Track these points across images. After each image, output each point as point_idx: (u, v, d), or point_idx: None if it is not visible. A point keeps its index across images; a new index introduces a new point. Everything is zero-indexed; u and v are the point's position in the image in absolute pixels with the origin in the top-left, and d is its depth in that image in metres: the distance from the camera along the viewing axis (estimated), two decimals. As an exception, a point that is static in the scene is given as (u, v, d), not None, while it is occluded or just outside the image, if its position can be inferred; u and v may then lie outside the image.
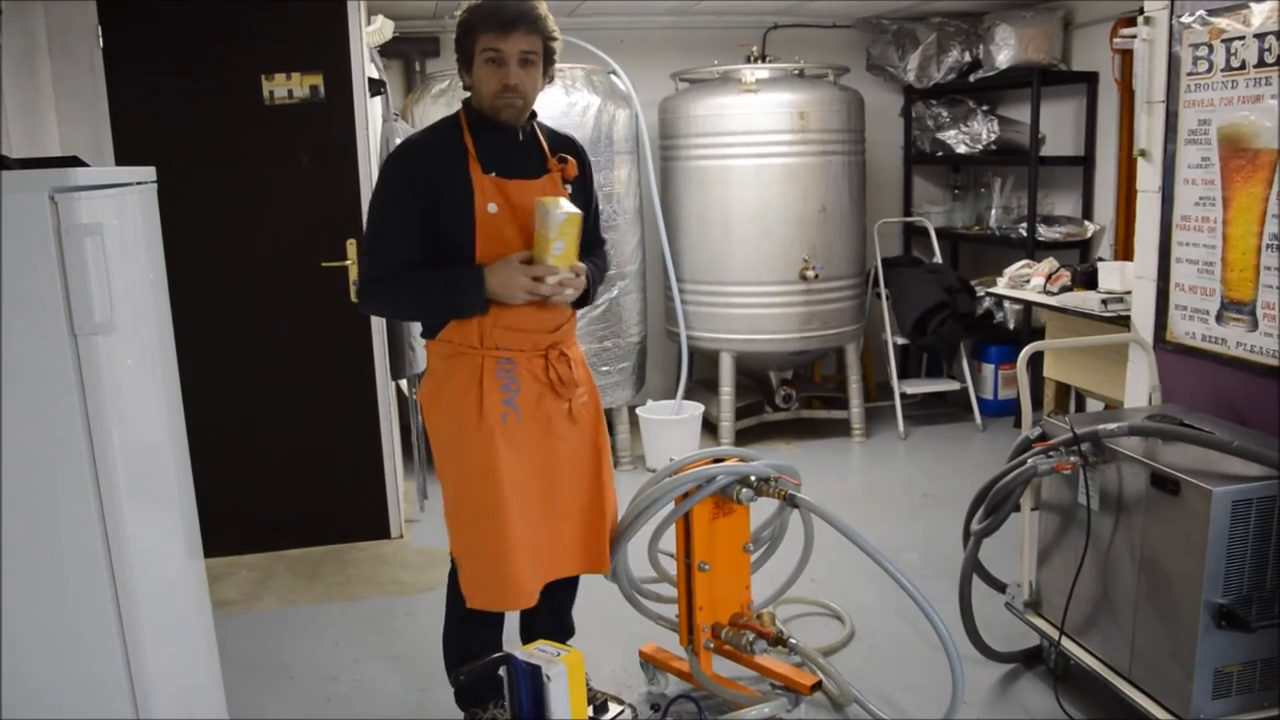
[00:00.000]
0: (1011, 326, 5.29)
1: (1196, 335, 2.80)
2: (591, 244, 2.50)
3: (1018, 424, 4.94)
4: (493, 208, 2.26)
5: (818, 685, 2.65)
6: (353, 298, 3.83)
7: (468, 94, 2.37)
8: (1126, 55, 4.50)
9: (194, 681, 2.22)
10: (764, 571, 2.87)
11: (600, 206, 2.73)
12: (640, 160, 4.79)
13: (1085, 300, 3.72)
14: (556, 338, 2.40)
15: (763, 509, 2.65)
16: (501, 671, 2.16)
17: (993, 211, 5.58)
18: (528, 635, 2.57)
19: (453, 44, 2.35)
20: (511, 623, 2.60)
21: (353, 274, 3.83)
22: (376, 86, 3.99)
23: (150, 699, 1.85)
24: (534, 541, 2.37)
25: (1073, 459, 2.57)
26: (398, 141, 3.90)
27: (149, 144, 3.61)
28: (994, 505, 2.70)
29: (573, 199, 2.33)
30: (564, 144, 2.48)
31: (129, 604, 1.80)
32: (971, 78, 5.36)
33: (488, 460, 2.30)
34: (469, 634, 2.49)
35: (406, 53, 5.17)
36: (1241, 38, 2.58)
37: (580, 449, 2.47)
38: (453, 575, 2.53)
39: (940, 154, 5.58)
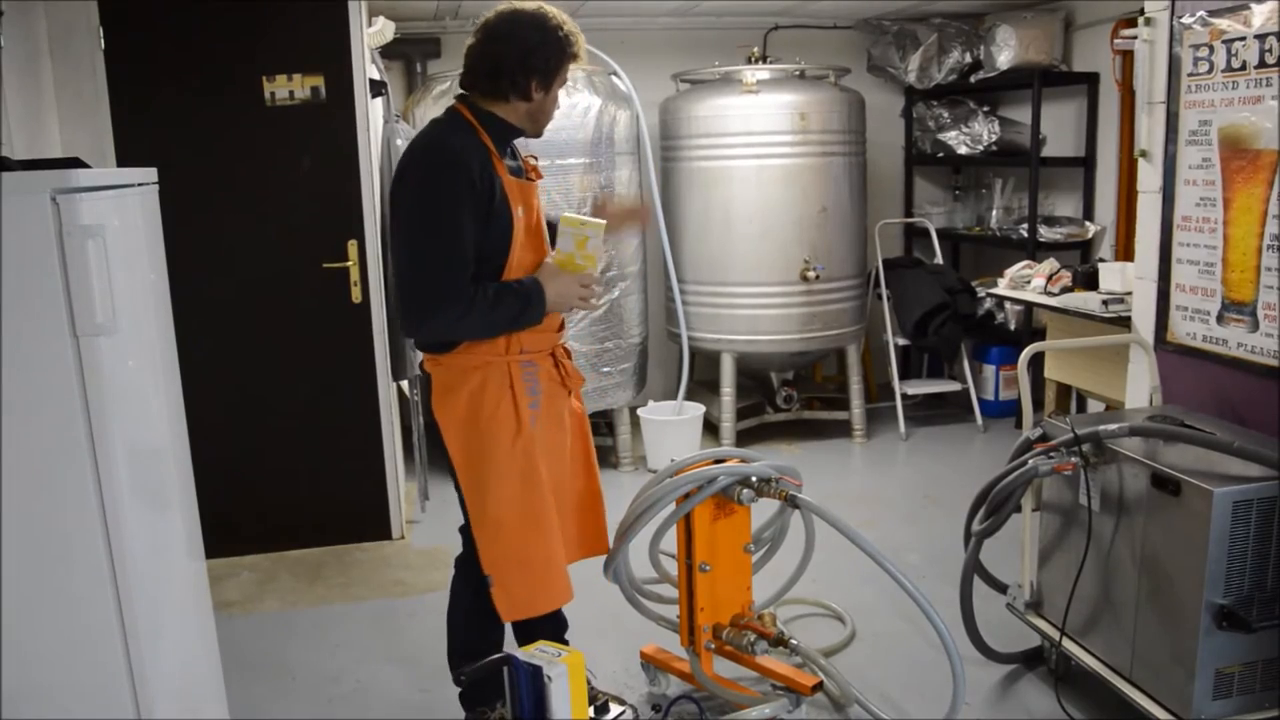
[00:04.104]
0: (1012, 327, 5.29)
1: (1197, 336, 2.80)
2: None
3: (1019, 425, 4.93)
4: (520, 211, 2.27)
5: (819, 686, 2.65)
6: (354, 298, 3.84)
7: (462, 94, 2.34)
8: (1127, 56, 4.50)
9: (195, 682, 2.22)
10: (765, 572, 2.88)
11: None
12: (641, 161, 4.79)
13: (1086, 301, 3.72)
14: (561, 335, 2.45)
15: (764, 510, 2.65)
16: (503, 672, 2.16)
17: (994, 212, 5.59)
18: (523, 633, 2.57)
19: (459, 46, 2.32)
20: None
21: (353, 275, 3.83)
22: (378, 88, 4.00)
23: (151, 700, 1.85)
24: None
25: (1073, 460, 2.57)
26: (399, 143, 3.94)
27: (150, 145, 3.61)
28: (995, 506, 2.70)
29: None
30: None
31: (130, 605, 1.80)
32: (972, 79, 5.36)
33: (530, 469, 2.31)
34: (474, 635, 2.49)
35: (408, 54, 5.17)
36: (1242, 38, 2.58)
37: (577, 440, 2.52)
38: (457, 578, 2.54)
39: (941, 155, 5.58)
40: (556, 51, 2.26)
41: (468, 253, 2.20)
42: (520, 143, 2.45)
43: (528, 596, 2.36)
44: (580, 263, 2.30)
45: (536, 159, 2.46)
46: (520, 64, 2.25)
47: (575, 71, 4.47)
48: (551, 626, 2.59)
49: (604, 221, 2.31)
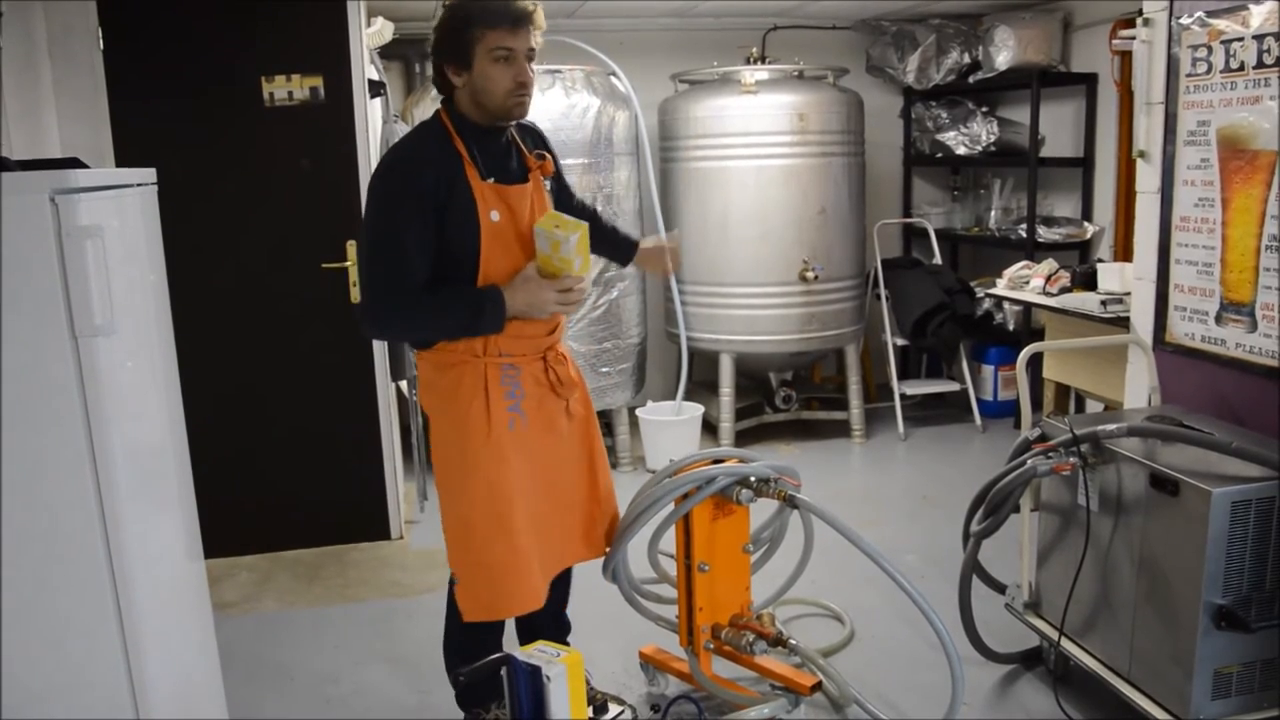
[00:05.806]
0: (1011, 328, 5.30)
1: (1196, 336, 2.80)
2: (587, 212, 2.57)
3: (1017, 425, 4.94)
4: (495, 215, 2.24)
5: (817, 686, 2.65)
6: (354, 299, 3.84)
7: (442, 96, 2.32)
8: (1126, 56, 4.51)
9: (194, 683, 2.22)
10: (764, 572, 2.87)
11: (583, 196, 2.71)
12: (640, 162, 4.79)
13: (1085, 301, 3.72)
14: (553, 339, 2.42)
15: (762, 510, 2.65)
16: (502, 672, 2.16)
17: (992, 213, 5.59)
18: (525, 634, 2.58)
19: None
20: (510, 623, 2.60)
21: (353, 275, 3.83)
22: (376, 88, 4.00)
23: (150, 700, 1.85)
24: (540, 543, 2.37)
25: (1072, 460, 2.57)
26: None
27: (149, 145, 3.61)
28: (994, 506, 2.70)
29: (553, 193, 2.40)
30: (529, 134, 2.45)
31: (129, 605, 1.80)
32: (971, 79, 5.36)
33: (498, 472, 2.29)
34: (471, 636, 2.49)
35: (406, 54, 5.17)
36: (1240, 39, 2.58)
37: (577, 442, 2.49)
38: (453, 580, 2.53)
39: (940, 155, 5.59)
40: (452, 28, 2.20)
41: (410, 257, 2.18)
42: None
43: (489, 599, 2.35)
44: (558, 265, 2.24)
45: (545, 156, 2.39)
46: (434, 57, 2.27)
47: (574, 71, 4.53)
48: (554, 627, 2.59)
49: (583, 223, 2.25)
